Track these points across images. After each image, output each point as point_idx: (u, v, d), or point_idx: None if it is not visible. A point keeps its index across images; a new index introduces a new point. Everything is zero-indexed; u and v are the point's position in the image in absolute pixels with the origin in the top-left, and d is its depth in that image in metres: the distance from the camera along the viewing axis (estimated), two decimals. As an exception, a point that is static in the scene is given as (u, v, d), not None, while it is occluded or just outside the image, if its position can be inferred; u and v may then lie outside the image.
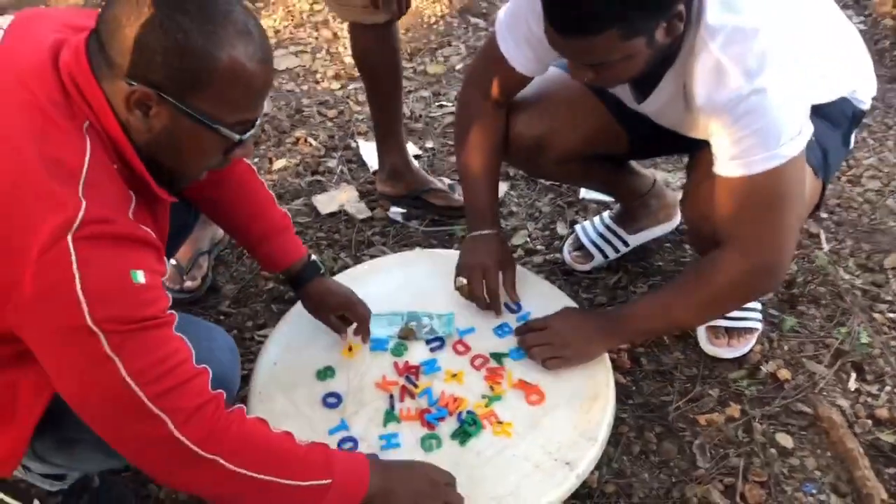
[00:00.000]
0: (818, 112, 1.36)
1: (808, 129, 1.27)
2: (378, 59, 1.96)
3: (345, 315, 1.50)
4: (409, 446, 1.34)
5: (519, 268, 1.65)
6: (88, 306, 0.92)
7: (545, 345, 1.44)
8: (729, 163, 1.29)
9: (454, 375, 1.45)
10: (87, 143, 0.98)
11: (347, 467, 1.13)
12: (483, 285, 1.54)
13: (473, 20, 3.30)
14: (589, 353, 1.44)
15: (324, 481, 1.09)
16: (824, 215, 2.14)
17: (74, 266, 0.91)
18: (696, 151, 1.47)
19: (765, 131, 1.24)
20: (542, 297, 1.61)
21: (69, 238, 0.91)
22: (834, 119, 1.46)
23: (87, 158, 0.96)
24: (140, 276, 0.96)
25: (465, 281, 1.55)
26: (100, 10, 1.02)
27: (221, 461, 1.02)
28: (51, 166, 0.94)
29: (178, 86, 0.98)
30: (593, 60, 1.24)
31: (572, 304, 1.60)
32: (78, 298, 0.91)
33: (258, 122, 1.10)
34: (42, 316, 0.94)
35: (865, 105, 1.54)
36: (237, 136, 1.05)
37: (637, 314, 1.48)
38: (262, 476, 1.05)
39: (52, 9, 1.19)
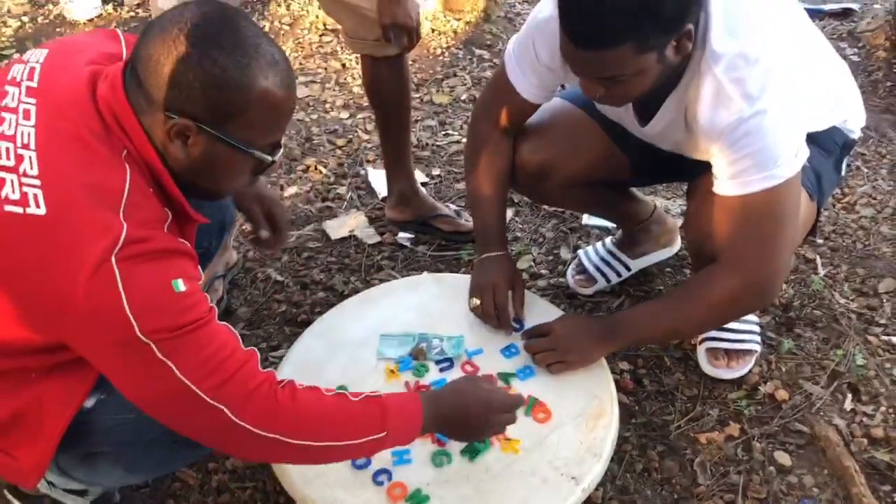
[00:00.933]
0: (812, 139, 1.43)
1: (804, 152, 1.34)
2: (389, 89, 2.04)
3: (271, 215, 1.54)
4: (419, 462, 1.39)
5: (525, 291, 1.71)
6: (137, 321, 0.98)
7: (549, 350, 1.50)
8: (728, 182, 1.35)
9: None
10: (126, 169, 1.05)
11: (400, 413, 1.20)
12: (493, 304, 1.60)
13: (478, 52, 3.39)
14: (590, 357, 1.51)
15: (379, 435, 1.17)
16: (819, 241, 2.20)
17: (120, 286, 0.97)
18: (696, 176, 1.54)
19: (763, 152, 1.30)
20: (546, 319, 1.66)
21: (113, 259, 0.98)
22: (826, 147, 1.53)
23: (127, 184, 1.03)
24: (181, 285, 1.03)
25: (478, 301, 1.62)
26: (134, 46, 1.10)
27: (282, 438, 1.10)
28: (93, 192, 1.01)
29: (215, 116, 1.05)
30: (607, 74, 1.28)
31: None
32: (126, 315, 0.98)
33: (283, 143, 1.18)
34: (96, 333, 1.01)
35: (855, 135, 1.61)
36: (269, 158, 1.14)
37: (635, 322, 1.54)
38: (320, 443, 1.13)
39: (79, 37, 1.25)
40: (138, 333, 0.99)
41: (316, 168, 2.61)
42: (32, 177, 1.01)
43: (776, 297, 1.50)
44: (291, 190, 2.49)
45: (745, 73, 1.28)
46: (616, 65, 1.25)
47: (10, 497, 1.44)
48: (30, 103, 1.07)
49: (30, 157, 1.02)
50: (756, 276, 1.39)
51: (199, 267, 1.13)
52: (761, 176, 1.31)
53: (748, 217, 1.36)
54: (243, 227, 1.63)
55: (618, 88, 1.31)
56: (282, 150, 1.18)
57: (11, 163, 1.02)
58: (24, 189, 1.00)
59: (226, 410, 1.06)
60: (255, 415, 1.08)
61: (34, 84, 1.10)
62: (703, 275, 1.46)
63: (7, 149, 1.03)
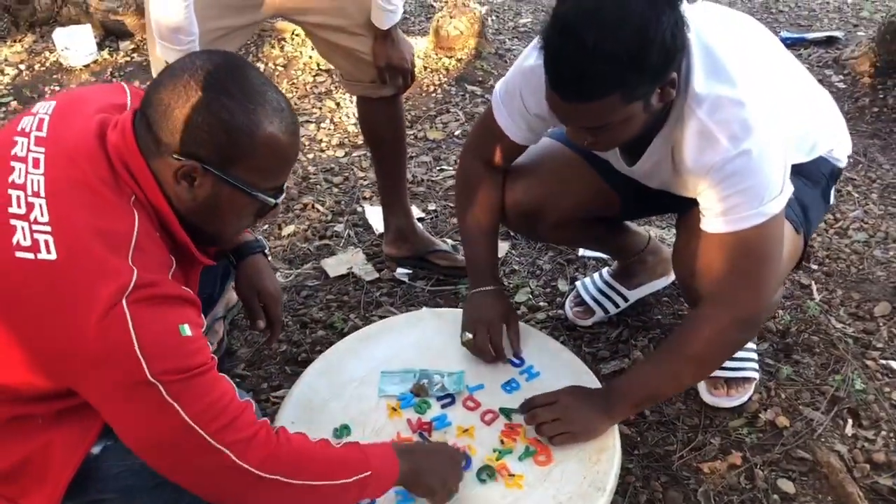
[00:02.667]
0: (798, 171, 1.45)
1: (788, 189, 1.37)
2: (384, 129, 2.07)
3: (266, 309, 1.57)
4: (423, 500, 1.39)
5: (522, 324, 1.72)
6: (146, 362, 1.00)
7: (554, 420, 1.46)
8: (715, 220, 1.37)
9: (465, 430, 1.51)
10: (134, 214, 1.08)
11: (380, 456, 1.25)
12: (488, 339, 1.60)
13: (470, 88, 3.44)
14: (596, 430, 1.47)
15: (365, 473, 1.20)
16: (814, 267, 2.22)
17: (131, 327, 1.00)
18: (684, 212, 1.56)
19: (749, 191, 1.32)
20: (545, 352, 1.68)
21: (124, 302, 1.00)
22: (813, 177, 1.56)
23: (135, 229, 1.06)
24: (187, 330, 1.06)
25: (470, 336, 1.62)
26: (145, 92, 1.13)
27: (282, 478, 1.12)
28: (103, 237, 1.03)
29: (222, 158, 1.09)
30: (595, 123, 1.30)
31: (575, 357, 1.67)
32: (137, 356, 1.00)
33: (286, 187, 1.21)
34: (105, 373, 1.02)
35: (842, 163, 1.64)
36: (272, 201, 1.17)
37: (633, 389, 1.50)
38: (316, 482, 1.15)
39: (86, 90, 1.30)
40: (147, 374, 1.01)
41: (313, 206, 2.63)
42: (43, 223, 1.03)
43: (759, 328, 1.49)
44: (289, 229, 2.52)
45: (728, 114, 1.30)
46: (603, 115, 1.26)
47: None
48: (39, 152, 1.10)
49: (40, 205, 1.04)
50: (742, 312, 1.40)
51: (202, 314, 1.15)
52: (747, 214, 1.33)
53: (734, 254, 1.37)
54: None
55: (605, 136, 1.33)
56: (284, 195, 1.21)
57: (22, 210, 1.04)
58: (35, 235, 1.02)
59: (229, 453, 1.07)
60: (258, 456, 1.10)
61: (43, 134, 1.13)
62: (691, 320, 1.48)
63: (18, 197, 1.05)
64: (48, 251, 1.01)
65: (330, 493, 1.18)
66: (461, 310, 1.75)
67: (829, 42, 3.72)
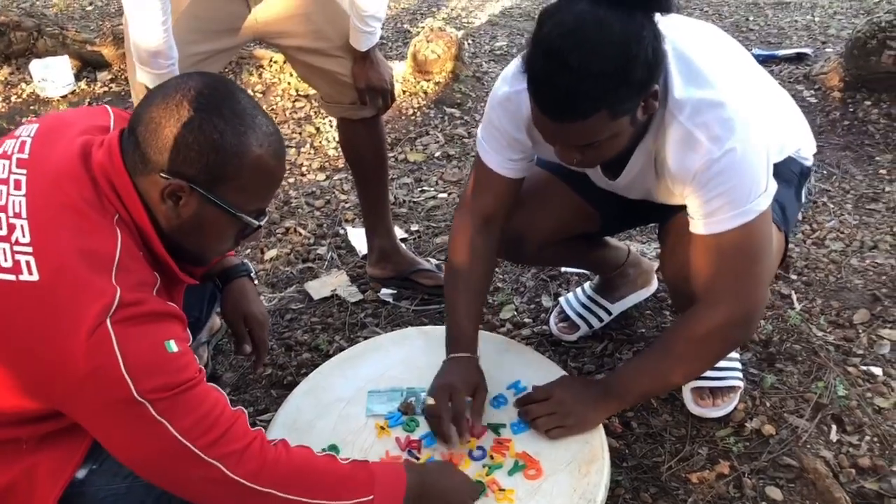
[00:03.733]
0: (772, 172, 1.48)
1: (772, 186, 1.38)
2: (366, 150, 2.08)
3: (252, 335, 1.56)
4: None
5: (508, 340, 1.73)
6: (133, 381, 1.00)
7: (549, 415, 1.48)
8: (703, 221, 1.38)
9: (467, 442, 1.50)
10: (117, 233, 1.08)
11: (387, 479, 1.22)
12: (448, 406, 1.48)
13: (449, 110, 3.47)
14: (590, 421, 1.49)
15: (366, 498, 1.18)
16: (793, 277, 2.25)
17: (116, 347, 0.99)
18: (666, 220, 1.58)
19: (735, 190, 1.34)
20: (531, 367, 1.68)
21: (108, 322, 0.99)
22: (786, 177, 1.58)
23: (118, 248, 1.06)
24: (173, 345, 1.05)
25: (432, 401, 1.50)
26: (134, 110, 1.14)
27: (275, 492, 1.11)
28: (85, 257, 1.03)
29: (209, 178, 1.10)
30: (584, 141, 1.30)
31: (562, 371, 1.67)
32: (123, 375, 0.99)
33: (268, 211, 1.21)
34: (92, 394, 1.01)
35: (809, 162, 1.67)
36: (255, 223, 1.18)
37: (629, 381, 1.52)
38: (313, 499, 1.14)
39: (70, 112, 1.29)
40: (134, 393, 1.00)
41: (295, 230, 2.63)
42: (24, 244, 1.03)
43: (756, 327, 1.49)
44: (272, 253, 2.51)
45: (708, 116, 1.33)
46: (592, 132, 1.27)
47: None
48: (20, 174, 1.10)
49: (21, 226, 1.04)
50: (738, 310, 1.41)
51: (189, 331, 1.15)
52: (735, 213, 1.34)
53: (725, 254, 1.39)
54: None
55: (593, 153, 1.33)
56: (266, 217, 1.22)
57: (4, 232, 1.04)
58: (17, 257, 1.02)
59: (221, 466, 1.07)
60: (250, 469, 1.09)
61: (25, 156, 1.13)
62: (686, 318, 1.47)
63: None
64: (30, 272, 1.01)
65: None
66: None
67: (799, 58, 3.80)
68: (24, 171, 1.10)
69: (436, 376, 1.57)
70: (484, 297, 1.70)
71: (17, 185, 1.08)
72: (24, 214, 1.05)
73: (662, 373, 1.50)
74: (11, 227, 1.04)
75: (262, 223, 1.20)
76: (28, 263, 1.01)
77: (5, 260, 1.02)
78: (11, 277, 1.01)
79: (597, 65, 1.19)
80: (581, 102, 1.22)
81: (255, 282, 1.61)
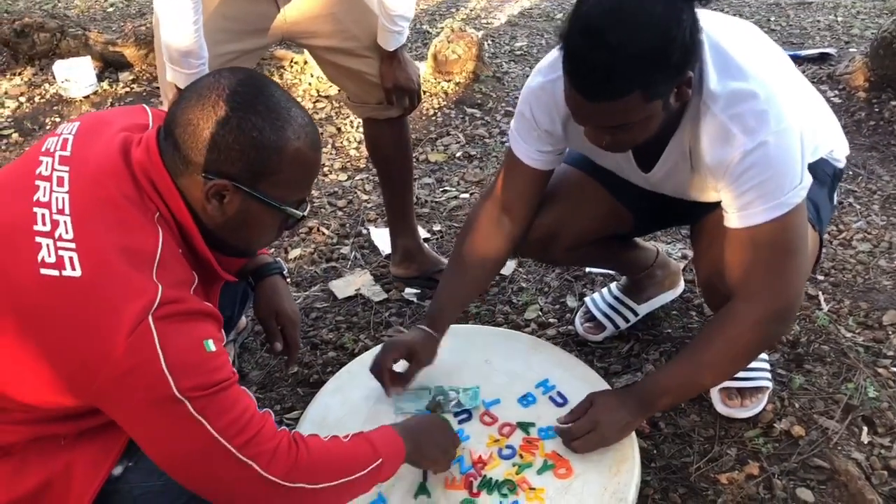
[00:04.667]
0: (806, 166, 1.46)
1: (807, 179, 1.37)
2: (391, 150, 2.09)
3: (284, 332, 1.57)
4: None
5: (536, 339, 1.72)
6: (173, 378, 1.00)
7: (588, 433, 1.45)
8: (737, 215, 1.37)
9: (496, 440, 1.52)
10: (158, 231, 1.09)
11: (386, 442, 1.28)
12: (386, 357, 1.56)
13: (469, 110, 3.47)
14: (625, 431, 1.48)
15: (377, 462, 1.23)
16: (820, 277, 2.24)
17: (157, 344, 1.00)
18: (697, 220, 1.57)
19: (769, 183, 1.32)
20: (560, 366, 1.68)
21: (150, 319, 1.00)
22: (819, 177, 1.57)
23: (159, 245, 1.07)
24: (211, 345, 1.06)
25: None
26: (169, 111, 1.15)
27: (305, 485, 1.13)
28: (127, 254, 1.04)
29: (251, 175, 1.11)
30: (616, 122, 1.29)
31: (590, 370, 1.67)
32: (164, 372, 1.00)
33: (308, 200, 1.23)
34: (132, 390, 1.01)
35: (841, 164, 1.65)
36: (299, 213, 1.19)
37: (665, 386, 1.49)
38: (337, 482, 1.18)
39: (109, 111, 1.31)
40: (175, 391, 1.01)
41: (318, 230, 2.64)
42: (68, 240, 1.03)
43: (793, 323, 1.46)
44: (296, 252, 2.52)
45: (743, 108, 1.31)
46: (624, 114, 1.27)
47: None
48: (63, 171, 1.10)
49: (64, 222, 1.04)
50: (774, 304, 1.40)
51: (223, 331, 1.15)
52: (769, 206, 1.33)
53: (759, 248, 1.37)
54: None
55: (624, 135, 1.33)
56: (308, 207, 1.22)
57: (47, 228, 1.04)
58: (60, 253, 1.02)
59: (255, 466, 1.08)
60: (282, 468, 1.11)
61: (67, 153, 1.14)
62: (722, 316, 1.45)
63: (43, 215, 1.05)
64: (73, 268, 1.01)
65: (349, 488, 1.21)
66: (474, 326, 1.76)
67: (822, 59, 3.77)
68: (67, 169, 1.11)
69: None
70: (480, 288, 1.72)
71: (60, 182, 1.09)
72: (67, 211, 1.06)
73: (699, 377, 1.48)
74: (55, 224, 1.05)
75: (304, 213, 1.21)
76: (71, 259, 1.02)
77: (49, 255, 1.02)
78: (55, 273, 1.01)
79: (635, 44, 1.18)
80: (616, 82, 1.22)
81: (288, 280, 1.61)
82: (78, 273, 1.01)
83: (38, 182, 1.09)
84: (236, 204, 1.12)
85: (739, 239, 1.39)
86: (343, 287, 2.33)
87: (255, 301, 1.57)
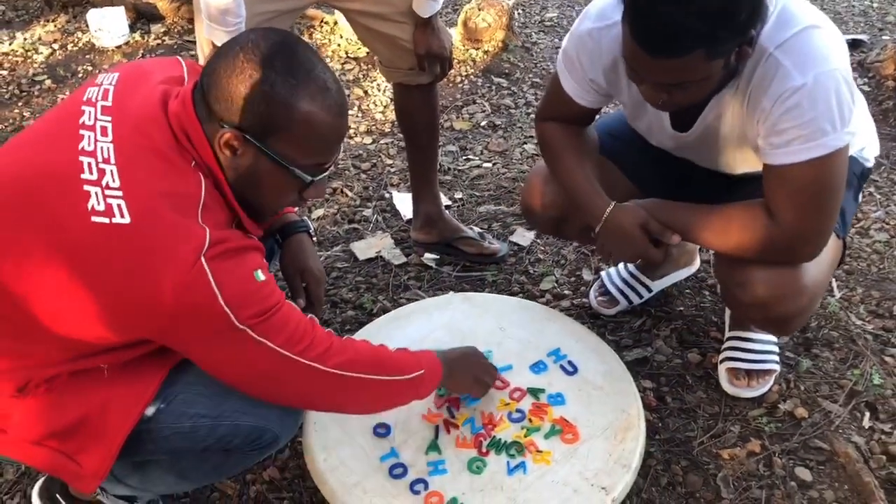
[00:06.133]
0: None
1: (854, 125, 1.34)
2: (419, 116, 2.12)
3: (308, 290, 1.62)
4: (454, 472, 1.45)
5: (549, 309, 1.77)
6: (232, 312, 1.09)
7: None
8: (775, 151, 1.36)
9: (507, 404, 1.57)
10: (200, 177, 1.14)
11: (428, 359, 1.40)
12: (645, 243, 1.57)
13: (496, 80, 3.48)
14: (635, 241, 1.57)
15: (419, 372, 1.35)
16: (835, 265, 2.26)
17: (213, 283, 1.07)
18: (714, 201, 1.59)
19: (813, 123, 1.30)
20: (571, 336, 1.73)
21: (203, 260, 1.06)
22: (847, 179, 1.58)
23: (203, 191, 1.13)
24: (261, 275, 1.14)
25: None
26: (206, 64, 1.20)
27: (360, 375, 1.26)
28: (172, 200, 1.09)
29: (261, 130, 1.14)
30: (676, 80, 1.28)
31: (601, 342, 1.72)
32: (223, 308, 1.08)
33: (330, 168, 1.25)
34: (195, 327, 1.10)
35: (870, 163, 1.66)
36: (308, 178, 1.21)
37: (673, 210, 1.55)
38: (385, 377, 1.30)
39: (146, 62, 1.34)
40: (235, 322, 1.09)
41: (342, 192, 2.68)
42: (115, 188, 1.08)
43: (808, 260, 1.45)
44: (319, 212, 2.57)
45: (795, 45, 1.30)
46: (685, 71, 1.26)
47: (62, 502, 1.50)
48: (106, 121, 1.15)
49: (111, 171, 1.10)
50: (798, 231, 1.39)
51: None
52: (810, 145, 1.31)
53: (795, 186, 1.36)
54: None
55: (680, 94, 1.32)
56: (326, 174, 1.25)
57: (94, 177, 1.09)
58: (109, 201, 1.07)
59: (318, 365, 1.19)
60: (338, 362, 1.22)
61: (108, 103, 1.18)
62: (752, 212, 1.44)
63: (89, 164, 1.10)
64: (122, 215, 1.06)
65: (398, 388, 1.33)
66: (490, 294, 1.79)
67: (854, 45, 3.73)
68: (110, 118, 1.15)
69: (607, 232, 1.60)
70: (593, 169, 1.67)
71: (104, 132, 1.14)
72: (112, 160, 1.10)
73: (697, 233, 1.52)
74: (102, 172, 1.09)
75: (316, 179, 1.23)
76: (119, 207, 1.07)
77: (98, 203, 1.07)
78: (105, 220, 1.07)
79: (704, 1, 1.18)
80: (682, 38, 1.20)
81: (314, 239, 1.66)
82: (127, 220, 1.06)
83: (82, 131, 1.14)
84: (248, 158, 1.17)
85: (775, 175, 1.38)
86: (364, 249, 2.38)
87: (282, 258, 1.62)
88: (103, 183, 1.08)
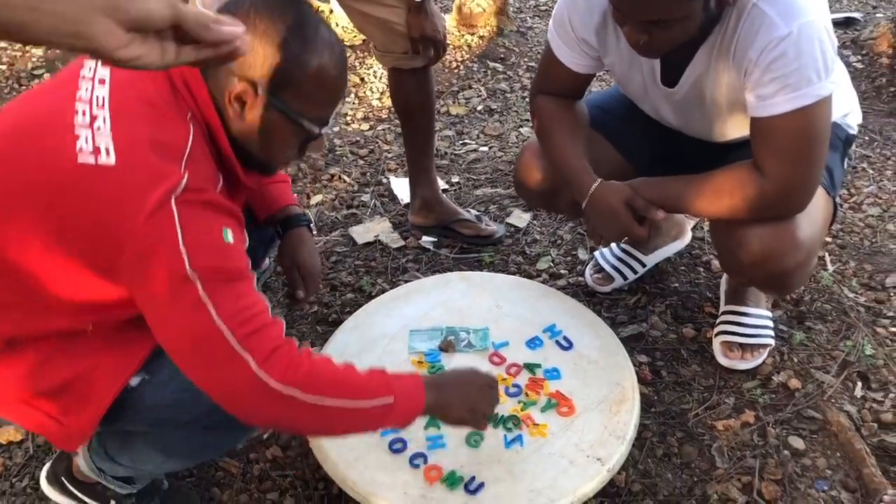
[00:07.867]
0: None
1: (837, 75, 1.37)
2: (414, 100, 2.14)
3: (305, 281, 1.62)
4: (453, 446, 1.48)
5: (545, 286, 1.80)
6: (188, 255, 1.06)
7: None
8: (761, 103, 1.39)
9: (504, 379, 1.60)
10: (190, 128, 1.16)
11: (405, 385, 1.23)
12: (629, 220, 1.58)
13: (492, 64, 3.50)
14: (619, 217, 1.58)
15: (387, 399, 1.19)
16: (828, 239, 2.28)
17: (177, 223, 1.06)
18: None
19: (796, 74, 1.33)
20: (567, 313, 1.76)
21: (172, 201, 1.07)
22: (832, 142, 1.61)
23: (190, 141, 1.14)
24: (229, 236, 1.12)
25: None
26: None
27: (298, 394, 1.12)
28: (159, 146, 1.10)
29: (273, 83, 1.17)
30: (657, 17, 1.32)
31: (597, 318, 1.75)
32: (180, 249, 1.06)
33: (332, 122, 1.27)
34: (152, 267, 1.07)
35: (853, 130, 1.69)
36: (317, 130, 1.24)
37: (663, 184, 1.57)
38: (334, 402, 1.15)
39: None
40: (187, 267, 1.06)
41: (340, 178, 2.71)
42: (104, 132, 1.10)
43: (800, 210, 1.48)
44: (317, 198, 2.60)
45: None
46: (664, 7, 1.29)
47: (67, 484, 1.54)
48: (105, 72, 1.18)
49: (103, 116, 1.11)
50: (787, 181, 1.42)
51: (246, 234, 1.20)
52: (793, 96, 1.35)
53: (781, 137, 1.39)
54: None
55: (661, 34, 1.35)
56: (328, 127, 1.28)
57: (87, 120, 1.12)
58: (97, 142, 1.09)
59: (250, 360, 1.08)
60: (276, 368, 1.10)
61: None
62: (740, 173, 1.47)
63: (83, 110, 1.13)
64: (108, 156, 1.08)
65: (347, 415, 1.17)
66: (487, 273, 1.82)
67: (848, 23, 3.75)
68: (108, 70, 1.18)
69: (593, 211, 1.62)
70: (582, 147, 1.70)
71: (102, 82, 1.16)
72: (105, 106, 1.13)
73: (687, 203, 1.54)
74: (94, 117, 1.12)
75: (322, 132, 1.26)
76: (107, 148, 1.08)
77: (86, 144, 1.09)
78: (91, 161, 1.08)
79: None
80: None
81: (314, 233, 1.67)
82: (112, 161, 1.08)
83: (80, 82, 1.17)
84: (257, 111, 1.18)
85: (764, 128, 1.41)
86: (362, 233, 2.41)
87: (281, 249, 1.64)
88: (95, 126, 1.10)
